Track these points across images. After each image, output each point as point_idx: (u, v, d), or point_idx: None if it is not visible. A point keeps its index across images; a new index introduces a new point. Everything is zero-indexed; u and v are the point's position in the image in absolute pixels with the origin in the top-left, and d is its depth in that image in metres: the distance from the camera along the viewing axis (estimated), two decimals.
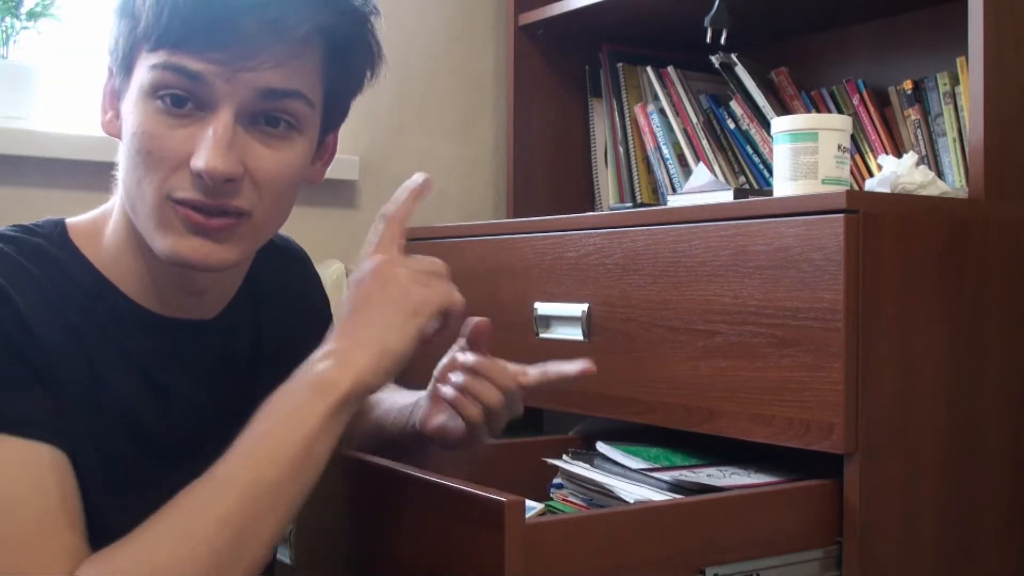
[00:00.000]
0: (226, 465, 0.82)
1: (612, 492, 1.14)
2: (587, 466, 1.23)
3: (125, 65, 0.88)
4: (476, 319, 1.00)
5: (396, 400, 1.15)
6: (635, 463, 1.21)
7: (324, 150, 0.98)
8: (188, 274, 0.92)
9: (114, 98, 0.92)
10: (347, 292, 0.91)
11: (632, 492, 1.12)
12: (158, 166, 0.85)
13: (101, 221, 0.95)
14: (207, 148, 0.84)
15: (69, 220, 0.95)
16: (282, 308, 1.08)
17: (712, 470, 1.21)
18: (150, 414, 0.93)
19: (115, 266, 0.93)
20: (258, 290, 1.05)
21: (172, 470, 0.93)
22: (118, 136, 0.91)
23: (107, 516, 0.85)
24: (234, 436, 0.97)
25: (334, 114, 0.96)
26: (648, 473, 1.16)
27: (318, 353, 0.87)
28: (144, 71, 0.85)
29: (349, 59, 0.93)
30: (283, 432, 0.83)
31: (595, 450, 1.27)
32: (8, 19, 1.65)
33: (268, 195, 0.89)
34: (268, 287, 1.07)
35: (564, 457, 1.28)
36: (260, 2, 0.83)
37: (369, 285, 0.89)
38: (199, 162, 0.84)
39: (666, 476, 1.15)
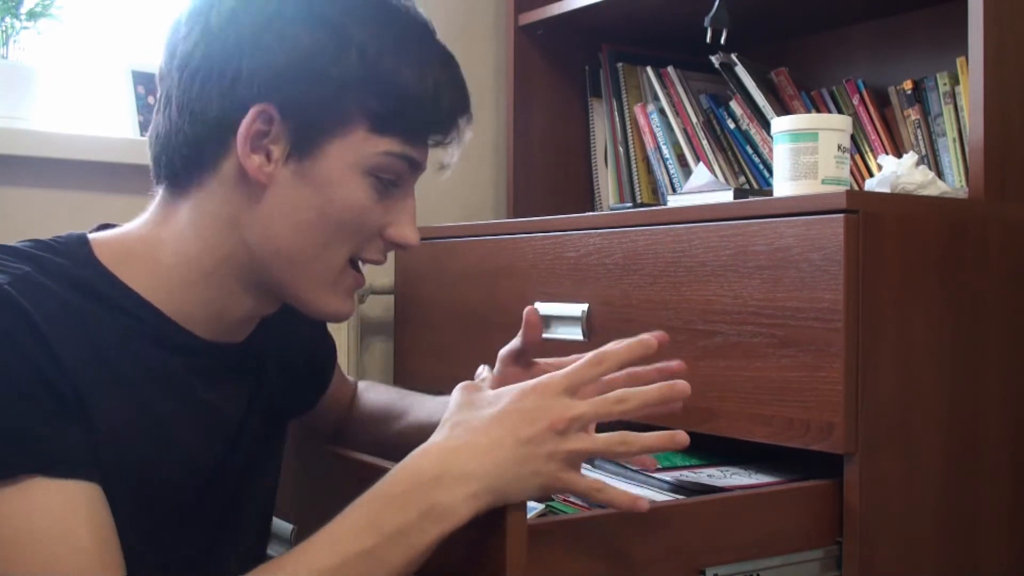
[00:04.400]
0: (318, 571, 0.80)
1: None
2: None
3: (317, 128, 0.86)
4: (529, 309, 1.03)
5: (426, 409, 1.14)
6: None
7: None
8: (262, 308, 0.95)
9: (267, 141, 0.87)
10: (512, 393, 0.87)
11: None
12: (356, 235, 0.90)
13: (138, 246, 0.91)
14: (410, 223, 0.93)
15: (92, 237, 0.91)
16: (282, 319, 1.06)
17: (713, 470, 1.21)
18: (191, 432, 0.91)
19: (167, 294, 0.89)
20: None
21: (214, 489, 0.94)
22: (265, 183, 0.87)
23: (147, 538, 0.84)
24: (262, 454, 1.02)
25: None
26: (649, 473, 1.16)
27: (432, 449, 0.86)
28: (366, 150, 0.88)
29: None
30: (388, 554, 0.81)
31: None
32: (8, 19, 1.65)
33: None
34: None
35: None
36: (466, 98, 0.93)
37: (531, 429, 0.85)
38: (407, 238, 0.92)
39: (667, 476, 1.15)
